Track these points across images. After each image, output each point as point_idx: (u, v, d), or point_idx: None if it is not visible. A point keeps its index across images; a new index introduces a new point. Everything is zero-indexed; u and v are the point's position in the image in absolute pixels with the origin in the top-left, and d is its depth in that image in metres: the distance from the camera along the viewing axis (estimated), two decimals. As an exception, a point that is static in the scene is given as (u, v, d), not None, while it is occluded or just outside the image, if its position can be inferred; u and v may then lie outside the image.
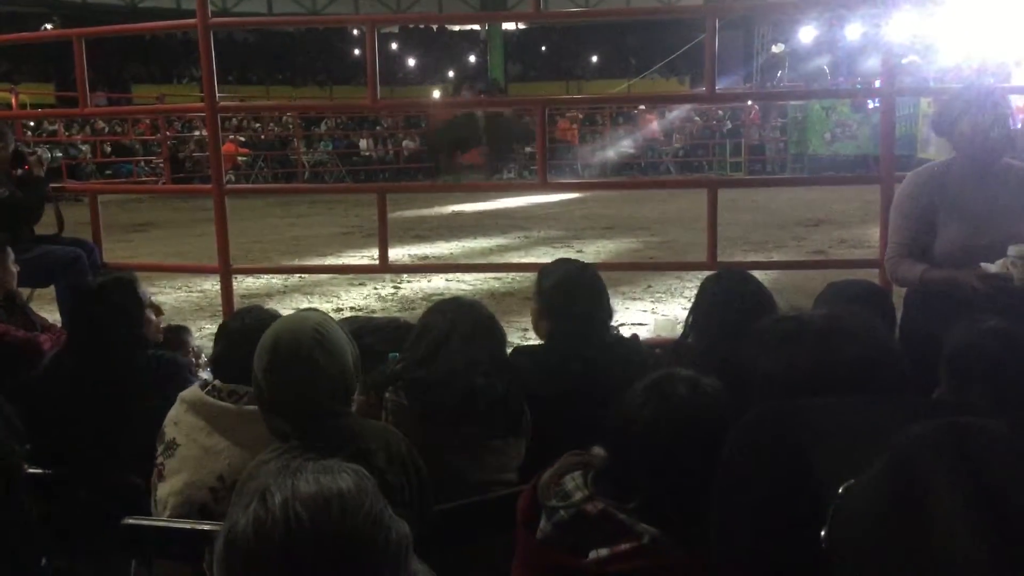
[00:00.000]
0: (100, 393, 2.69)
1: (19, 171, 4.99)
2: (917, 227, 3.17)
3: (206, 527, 2.06)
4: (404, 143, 23.71)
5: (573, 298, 2.74)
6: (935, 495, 0.88)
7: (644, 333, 5.16)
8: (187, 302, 7.21)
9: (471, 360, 2.39)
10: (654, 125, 22.82)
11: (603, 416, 1.76)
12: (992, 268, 2.91)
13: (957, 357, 1.96)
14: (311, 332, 1.95)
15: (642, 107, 22.74)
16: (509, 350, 2.74)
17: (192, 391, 2.35)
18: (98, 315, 2.84)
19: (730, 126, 22.69)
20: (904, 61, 16.62)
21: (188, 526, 2.11)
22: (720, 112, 22.95)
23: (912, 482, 0.91)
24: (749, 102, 21.83)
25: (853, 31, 24.58)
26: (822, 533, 1.10)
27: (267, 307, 2.69)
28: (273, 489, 1.08)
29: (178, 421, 2.33)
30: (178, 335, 3.53)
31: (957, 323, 2.08)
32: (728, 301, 2.62)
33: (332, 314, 6.30)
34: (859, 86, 19.62)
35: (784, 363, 1.50)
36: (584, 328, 2.71)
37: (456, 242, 10.87)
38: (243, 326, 2.43)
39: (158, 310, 3.17)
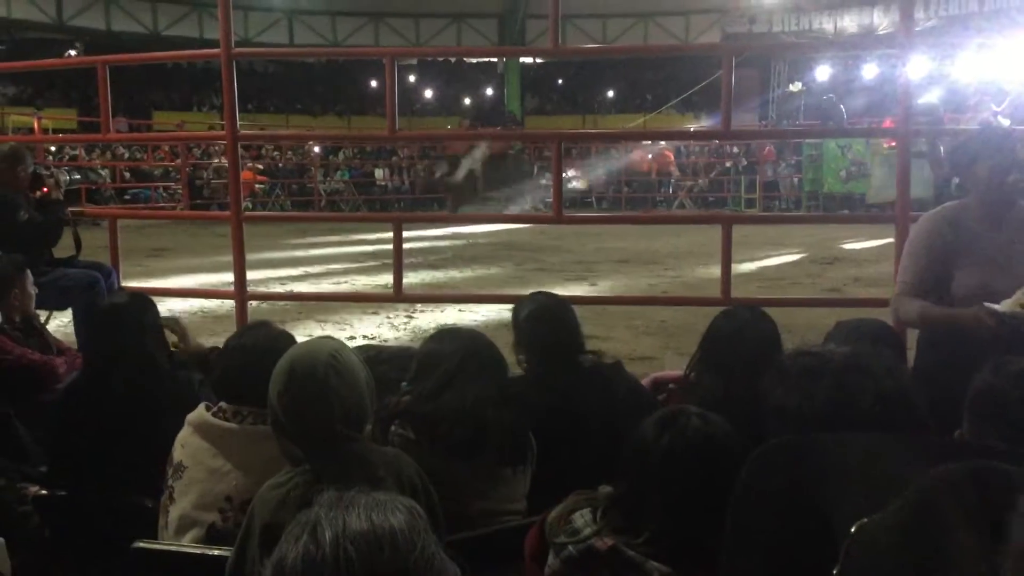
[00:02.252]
0: (114, 413, 2.71)
1: (38, 193, 5.06)
2: (927, 267, 3.15)
3: (216, 552, 2.07)
4: (436, 170, 23.17)
5: (545, 329, 2.82)
6: (955, 539, 0.88)
7: (658, 367, 5.15)
8: (203, 328, 7.25)
9: (481, 393, 2.40)
10: (672, 160, 22.77)
11: (580, 442, 1.77)
12: (999, 309, 2.90)
13: (978, 399, 1.96)
14: (327, 358, 1.97)
15: (661, 144, 22.68)
16: None
17: (198, 413, 2.37)
18: (112, 334, 2.86)
19: (745, 163, 22.72)
20: (920, 101, 16.66)
21: (198, 551, 2.12)
22: (735, 149, 22.99)
23: (932, 525, 0.91)
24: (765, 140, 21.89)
25: (869, 71, 24.72)
26: (835, 572, 1.10)
27: (268, 323, 2.68)
28: (324, 524, 1.06)
29: (185, 443, 2.34)
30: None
31: (983, 365, 2.07)
32: (736, 339, 2.62)
33: (346, 342, 6.33)
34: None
35: (799, 397, 1.51)
36: (557, 358, 2.76)
37: (470, 272, 10.89)
38: (244, 344, 2.44)
39: (181, 332, 3.19)
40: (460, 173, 18.43)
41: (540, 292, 3.09)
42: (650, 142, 22.72)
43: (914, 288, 3.15)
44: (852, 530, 1.08)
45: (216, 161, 20.55)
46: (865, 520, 1.06)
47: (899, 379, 1.55)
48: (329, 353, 1.99)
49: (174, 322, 3.50)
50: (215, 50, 4.72)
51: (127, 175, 20.89)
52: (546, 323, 2.85)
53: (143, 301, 3.06)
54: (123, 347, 2.81)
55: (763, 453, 1.36)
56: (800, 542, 1.20)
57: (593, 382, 2.74)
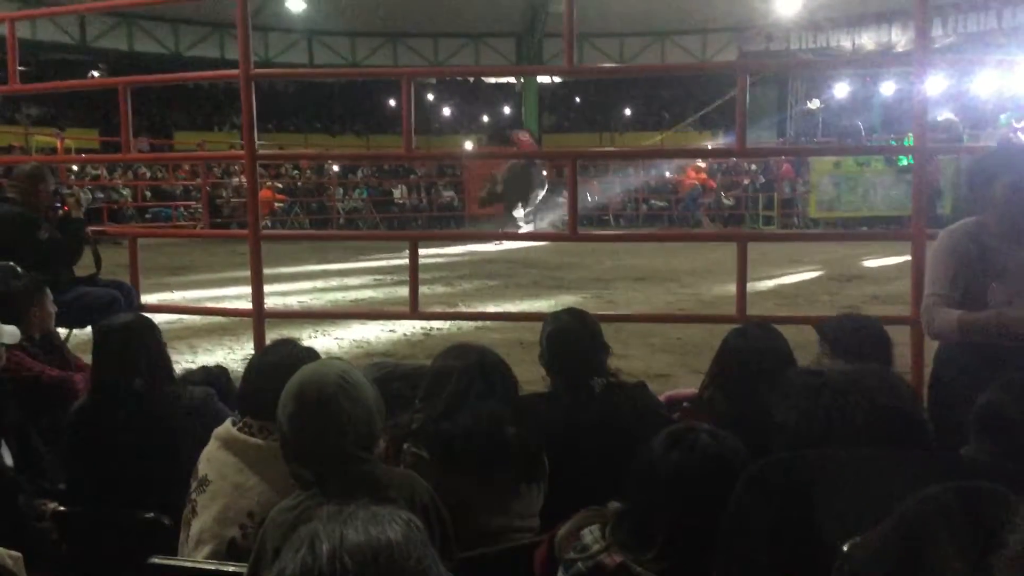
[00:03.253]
0: (123, 431, 2.73)
1: (59, 211, 5.13)
2: (956, 277, 3.10)
3: (231, 568, 2.07)
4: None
5: (564, 348, 2.83)
6: (942, 558, 0.88)
7: (673, 385, 5.14)
8: (221, 344, 7.30)
9: (494, 411, 2.40)
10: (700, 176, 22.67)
11: (606, 461, 1.77)
12: None
13: (982, 414, 1.95)
14: (336, 379, 1.98)
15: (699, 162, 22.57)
16: None
17: (224, 427, 2.38)
18: (116, 354, 2.89)
19: (763, 180, 22.68)
20: (939, 118, 16.61)
21: (213, 567, 2.13)
22: (753, 166, 22.96)
23: (920, 545, 0.92)
24: (782, 157, 21.85)
25: (887, 88, 24.67)
26: None
27: (293, 341, 2.70)
28: (322, 536, 1.08)
29: (210, 458, 2.35)
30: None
31: (992, 380, 2.07)
32: (747, 356, 2.62)
33: (362, 359, 6.36)
34: (892, 142, 19.65)
35: (799, 415, 1.51)
36: (576, 376, 2.77)
37: (487, 289, 10.91)
38: (270, 361, 2.45)
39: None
40: (498, 186, 18.63)
41: (565, 310, 3.07)
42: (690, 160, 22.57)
43: (947, 298, 3.09)
44: (844, 549, 1.08)
45: (235, 180, 20.72)
46: (857, 539, 1.06)
47: (899, 395, 1.56)
48: (338, 374, 1.99)
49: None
50: (234, 71, 4.77)
51: (148, 194, 21.11)
52: (566, 342, 2.85)
53: (144, 322, 3.09)
54: (128, 367, 2.84)
55: (756, 472, 1.37)
56: (792, 560, 1.20)
57: (612, 401, 2.74)
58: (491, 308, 9.27)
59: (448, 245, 15.81)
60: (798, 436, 1.50)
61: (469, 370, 2.47)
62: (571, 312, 3.03)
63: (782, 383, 1.62)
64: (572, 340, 2.86)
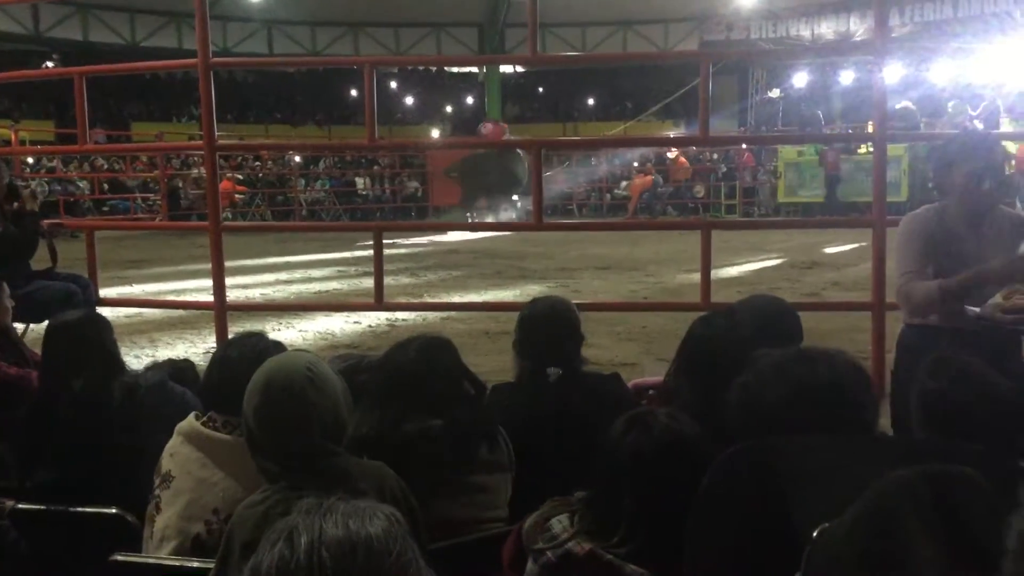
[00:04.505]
0: (79, 428, 2.69)
1: (14, 205, 5.02)
2: (924, 253, 3.13)
3: (195, 564, 2.05)
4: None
5: (536, 337, 2.81)
6: (910, 543, 0.89)
7: (638, 374, 5.17)
8: (182, 339, 7.21)
9: (453, 403, 2.40)
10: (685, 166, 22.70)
11: (575, 450, 1.78)
12: (980, 311, 2.93)
13: (922, 403, 1.97)
14: (303, 371, 1.95)
15: (673, 151, 22.60)
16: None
17: (188, 422, 2.34)
18: (67, 350, 2.85)
19: (725, 169, 22.86)
20: (897, 107, 16.84)
21: (176, 562, 2.10)
22: (715, 155, 23.12)
23: (888, 530, 0.92)
24: (743, 145, 22.04)
25: (847, 77, 24.97)
26: None
27: (260, 334, 2.66)
28: (301, 529, 1.06)
29: (174, 453, 2.31)
30: None
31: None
32: (712, 343, 2.63)
33: (327, 351, 6.31)
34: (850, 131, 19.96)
35: (753, 396, 1.54)
36: (548, 366, 2.75)
37: (452, 280, 10.89)
38: (234, 355, 2.42)
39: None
40: (452, 173, 18.67)
41: (541, 298, 3.03)
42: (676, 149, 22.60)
43: (919, 274, 3.11)
44: (814, 535, 1.09)
45: (195, 172, 20.47)
46: (827, 525, 1.07)
47: (839, 370, 1.61)
48: (304, 366, 1.97)
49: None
50: (192, 60, 4.70)
51: (106, 187, 20.78)
52: (538, 331, 2.82)
53: (97, 318, 3.05)
54: (79, 362, 2.80)
55: (726, 459, 1.38)
56: (763, 547, 1.21)
57: (583, 391, 2.73)
58: (456, 299, 9.25)
59: (413, 236, 15.75)
60: (754, 415, 1.53)
61: (425, 363, 2.45)
62: (545, 300, 3.02)
63: (737, 367, 1.66)
64: (549, 325, 2.83)
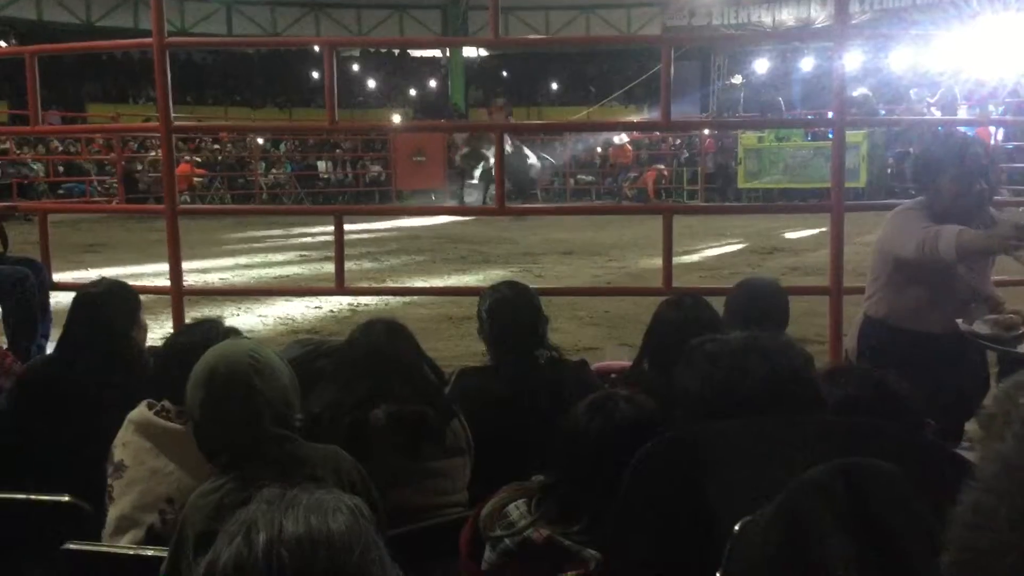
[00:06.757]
0: (68, 408, 2.65)
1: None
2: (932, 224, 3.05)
3: (149, 552, 2.02)
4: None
5: (501, 323, 2.81)
6: (824, 537, 0.90)
7: (601, 358, 5.18)
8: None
9: (412, 391, 2.39)
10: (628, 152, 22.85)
11: (540, 436, 1.77)
12: (972, 328, 2.98)
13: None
14: (246, 358, 1.92)
15: (621, 137, 22.69)
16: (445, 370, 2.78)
17: (139, 411, 2.30)
18: (84, 322, 2.81)
19: (687, 155, 22.96)
20: (855, 93, 17.01)
21: (131, 552, 2.06)
22: (678, 141, 23.22)
23: (802, 526, 0.93)
24: (705, 131, 22.15)
25: (807, 64, 25.21)
26: (719, 572, 1.11)
27: (215, 320, 2.62)
28: (260, 525, 1.01)
29: (126, 442, 2.27)
30: None
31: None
32: (681, 327, 2.64)
33: (287, 336, 6.25)
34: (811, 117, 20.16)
35: (700, 380, 1.54)
36: (512, 351, 2.76)
37: (414, 264, 10.84)
38: (184, 342, 2.37)
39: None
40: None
41: (503, 283, 3.03)
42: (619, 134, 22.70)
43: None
44: (735, 529, 1.09)
45: (152, 154, 20.13)
46: (748, 519, 1.07)
47: (793, 359, 1.60)
48: (247, 353, 1.94)
49: None
50: (147, 39, 4.60)
51: (61, 169, 20.37)
52: (503, 317, 2.83)
53: (125, 291, 2.99)
54: (92, 338, 2.75)
55: (652, 450, 1.38)
56: (686, 541, 1.21)
57: (548, 377, 2.73)
58: (419, 283, 9.21)
59: (375, 220, 15.64)
60: (700, 401, 1.54)
61: (381, 350, 2.44)
62: (508, 284, 3.01)
63: (686, 352, 1.65)
64: (514, 311, 2.83)
